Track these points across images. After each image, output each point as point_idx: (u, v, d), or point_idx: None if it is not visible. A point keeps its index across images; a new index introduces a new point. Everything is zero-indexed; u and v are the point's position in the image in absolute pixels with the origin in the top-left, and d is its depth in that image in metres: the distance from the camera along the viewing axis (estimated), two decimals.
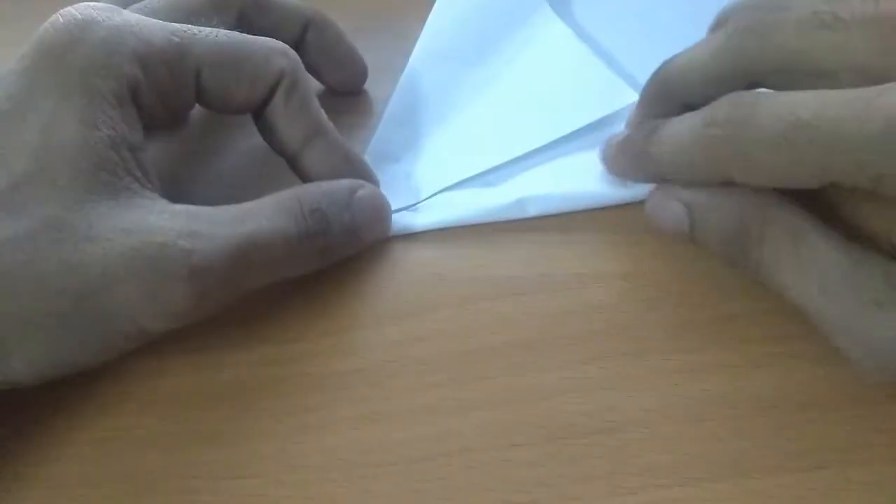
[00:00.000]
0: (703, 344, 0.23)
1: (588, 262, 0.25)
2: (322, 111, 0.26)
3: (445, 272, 0.26)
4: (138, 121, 0.24)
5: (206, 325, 0.24)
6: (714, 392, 0.22)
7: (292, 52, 0.26)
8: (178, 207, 0.23)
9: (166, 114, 0.25)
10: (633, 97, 0.28)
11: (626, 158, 0.25)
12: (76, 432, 0.24)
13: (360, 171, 0.26)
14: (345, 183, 0.25)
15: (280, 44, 0.26)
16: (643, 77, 0.28)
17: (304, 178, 0.26)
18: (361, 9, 0.34)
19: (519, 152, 0.28)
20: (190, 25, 0.24)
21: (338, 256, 0.25)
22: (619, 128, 0.27)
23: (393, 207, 0.26)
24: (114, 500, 0.23)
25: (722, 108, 0.21)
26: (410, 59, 0.31)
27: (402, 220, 0.27)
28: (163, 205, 0.23)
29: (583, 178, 0.27)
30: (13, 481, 0.23)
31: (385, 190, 0.26)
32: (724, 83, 0.22)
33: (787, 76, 0.21)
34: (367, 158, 0.27)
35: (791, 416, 0.21)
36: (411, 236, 0.27)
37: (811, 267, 0.20)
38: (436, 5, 0.32)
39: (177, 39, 0.24)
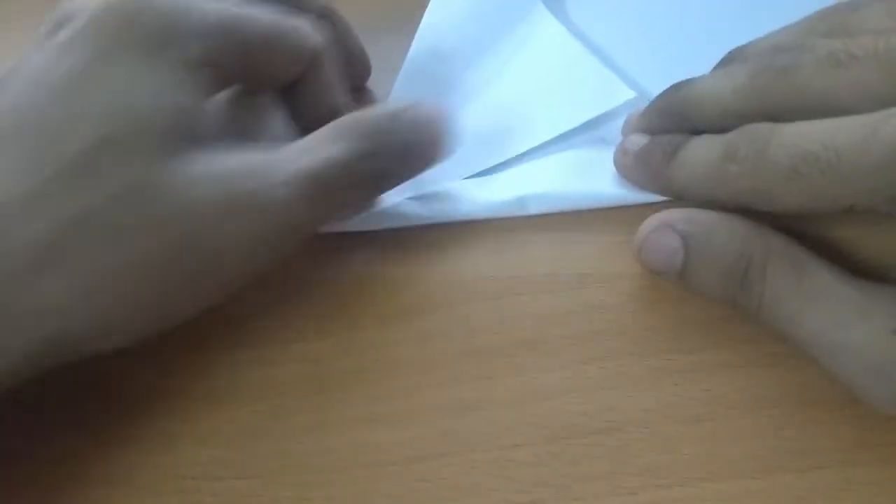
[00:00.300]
0: (703, 344, 0.23)
1: (589, 263, 0.25)
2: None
3: (446, 272, 0.26)
4: (201, 90, 0.24)
5: (205, 326, 0.24)
6: (714, 392, 0.22)
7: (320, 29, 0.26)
8: (253, 151, 0.23)
9: (216, 88, 0.25)
10: (629, 94, 0.28)
11: (643, 172, 0.25)
12: (76, 433, 0.24)
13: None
14: (398, 104, 0.25)
15: (309, 22, 0.26)
16: (638, 74, 0.28)
17: None
18: (362, 8, 0.34)
19: (517, 151, 0.28)
20: (235, 2, 0.25)
21: (396, 182, 0.25)
22: (618, 123, 0.27)
23: (391, 200, 0.26)
24: (113, 501, 0.23)
25: (739, 141, 0.21)
26: (406, 59, 0.31)
27: (403, 211, 0.27)
28: (238, 151, 0.23)
29: (585, 177, 0.27)
30: (13, 481, 0.23)
31: None
32: (743, 119, 0.22)
33: (809, 115, 0.21)
34: None
35: (791, 415, 0.22)
36: (411, 236, 0.27)
37: (820, 299, 0.20)
38: (430, 5, 0.32)
39: (224, 16, 0.24)
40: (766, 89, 0.22)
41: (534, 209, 0.26)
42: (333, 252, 0.26)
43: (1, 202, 0.20)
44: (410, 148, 0.25)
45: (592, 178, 0.26)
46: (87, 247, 0.20)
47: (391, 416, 0.23)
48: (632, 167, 0.25)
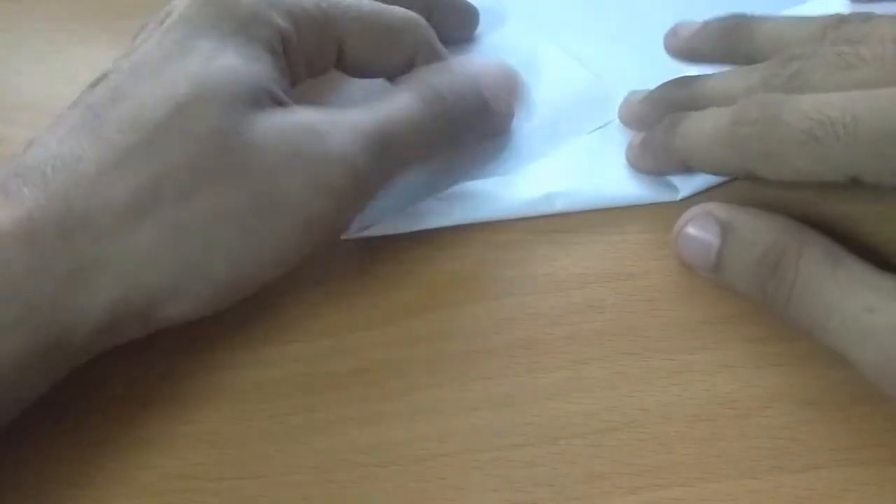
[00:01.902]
0: (703, 344, 0.23)
1: (589, 262, 0.25)
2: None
3: (446, 272, 0.26)
4: (287, 70, 0.25)
5: (205, 326, 0.24)
6: (714, 392, 0.22)
7: (424, 23, 0.27)
8: (322, 108, 0.24)
9: (306, 73, 0.26)
10: None
11: (649, 154, 0.25)
12: (76, 433, 0.24)
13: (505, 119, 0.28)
14: (474, 65, 0.27)
15: (415, 16, 0.27)
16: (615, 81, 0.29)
17: None
18: None
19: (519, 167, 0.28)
20: None
21: (462, 144, 0.26)
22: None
23: (412, 202, 0.27)
24: (114, 501, 0.23)
25: (750, 107, 0.22)
26: None
27: (429, 213, 0.27)
28: (310, 109, 0.24)
29: (612, 175, 0.27)
30: (13, 481, 0.23)
31: (401, 188, 0.26)
32: None
33: None
34: None
35: (791, 416, 0.22)
36: (411, 236, 0.27)
37: (854, 287, 0.20)
38: None
39: (325, 6, 0.25)
40: (778, 90, 0.22)
41: (560, 206, 0.26)
42: (333, 252, 0.27)
43: (97, 168, 0.21)
44: (481, 112, 0.26)
45: (614, 174, 0.26)
46: (171, 201, 0.21)
47: (391, 416, 0.23)
48: (640, 154, 0.26)
